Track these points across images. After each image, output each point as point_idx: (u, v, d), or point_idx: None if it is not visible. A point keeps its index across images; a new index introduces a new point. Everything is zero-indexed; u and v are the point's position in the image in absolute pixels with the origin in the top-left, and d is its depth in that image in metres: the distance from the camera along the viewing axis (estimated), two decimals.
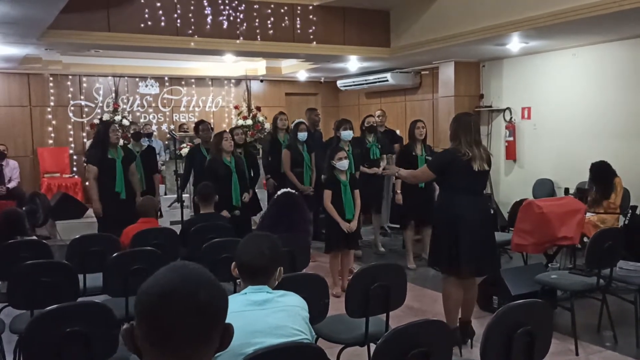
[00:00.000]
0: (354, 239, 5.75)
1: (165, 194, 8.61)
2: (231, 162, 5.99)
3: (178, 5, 6.94)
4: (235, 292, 2.23)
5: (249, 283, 2.20)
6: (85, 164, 6.57)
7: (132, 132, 7.31)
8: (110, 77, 10.40)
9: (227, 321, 1.14)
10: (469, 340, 4.22)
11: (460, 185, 4.03)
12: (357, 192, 5.64)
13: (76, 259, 4.17)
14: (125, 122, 9.88)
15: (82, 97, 10.40)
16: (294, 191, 5.23)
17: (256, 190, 6.82)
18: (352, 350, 3.39)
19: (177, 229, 5.14)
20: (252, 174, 6.71)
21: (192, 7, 6.99)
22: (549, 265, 5.40)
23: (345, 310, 3.25)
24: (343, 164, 5.49)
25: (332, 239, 5.63)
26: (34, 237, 5.00)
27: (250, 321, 2.08)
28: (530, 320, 2.44)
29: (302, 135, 6.83)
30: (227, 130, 6.63)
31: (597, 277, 4.29)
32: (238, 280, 2.37)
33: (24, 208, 7.93)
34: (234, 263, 2.25)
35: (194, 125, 7.49)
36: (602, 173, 6.17)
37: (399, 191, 6.45)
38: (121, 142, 6.63)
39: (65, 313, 2.57)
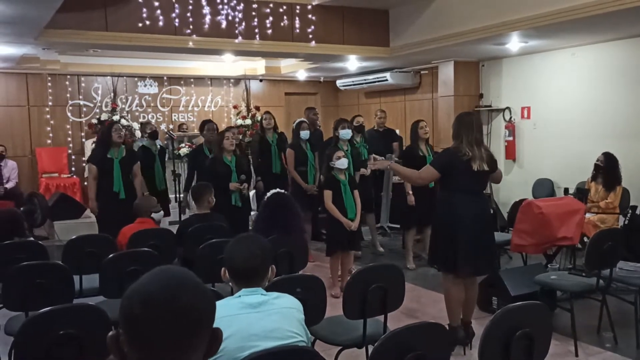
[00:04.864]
0: (356, 240, 5.71)
1: None
2: (232, 161, 5.95)
3: (176, 5, 6.90)
4: (232, 293, 2.20)
5: (242, 286, 2.16)
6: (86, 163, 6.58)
7: (148, 131, 7.35)
8: (109, 77, 10.36)
9: (221, 325, 1.11)
10: (469, 342, 4.19)
11: (459, 184, 4.04)
12: (356, 192, 5.61)
13: (72, 260, 4.15)
14: (124, 121, 9.85)
15: (80, 97, 10.36)
16: (284, 191, 5.20)
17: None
18: (349, 352, 3.37)
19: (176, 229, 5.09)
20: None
21: (190, 7, 6.95)
22: (549, 265, 5.37)
23: (343, 311, 3.23)
24: (342, 162, 5.47)
25: (334, 241, 5.60)
26: (31, 238, 4.96)
27: (245, 325, 2.05)
28: (529, 323, 2.40)
29: (305, 134, 6.82)
30: (228, 129, 6.56)
31: (597, 277, 4.26)
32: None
33: (22, 208, 7.91)
34: (223, 268, 2.21)
35: (199, 124, 7.44)
36: (614, 163, 6.22)
37: (410, 192, 6.33)
38: None
39: (58, 315, 2.54)
